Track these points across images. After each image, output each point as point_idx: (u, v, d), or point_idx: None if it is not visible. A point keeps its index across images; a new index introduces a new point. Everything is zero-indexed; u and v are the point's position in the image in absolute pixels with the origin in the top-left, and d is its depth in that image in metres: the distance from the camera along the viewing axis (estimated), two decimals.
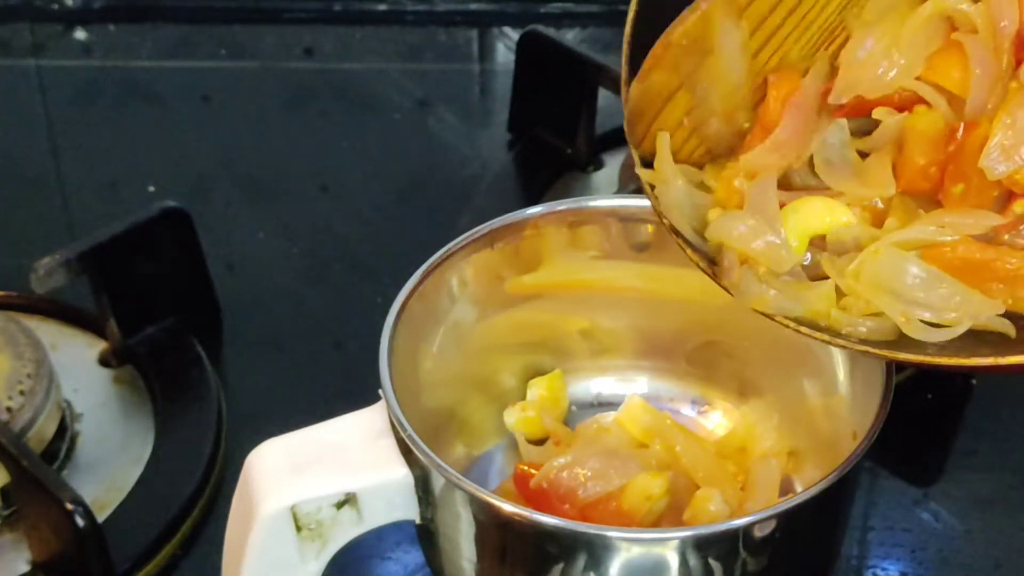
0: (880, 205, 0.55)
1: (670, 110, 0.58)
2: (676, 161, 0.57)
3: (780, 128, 0.56)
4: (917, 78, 0.54)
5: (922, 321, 0.52)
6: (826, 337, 0.53)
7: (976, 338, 0.52)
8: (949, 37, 0.54)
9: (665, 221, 0.57)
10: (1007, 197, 0.53)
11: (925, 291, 0.51)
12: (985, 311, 0.51)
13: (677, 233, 0.56)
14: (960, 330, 0.51)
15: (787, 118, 0.56)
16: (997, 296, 0.51)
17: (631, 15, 0.58)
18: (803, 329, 0.53)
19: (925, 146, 0.54)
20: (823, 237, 0.55)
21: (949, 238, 0.52)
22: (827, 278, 0.54)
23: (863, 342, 0.53)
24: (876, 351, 0.52)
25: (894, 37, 0.55)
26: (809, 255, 0.55)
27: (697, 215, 0.57)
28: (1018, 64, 0.53)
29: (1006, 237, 0.52)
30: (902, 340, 0.52)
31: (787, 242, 0.54)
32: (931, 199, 0.54)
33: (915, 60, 0.54)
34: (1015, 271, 0.51)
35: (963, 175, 0.53)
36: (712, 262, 0.56)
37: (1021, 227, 0.52)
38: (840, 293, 0.53)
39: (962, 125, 0.53)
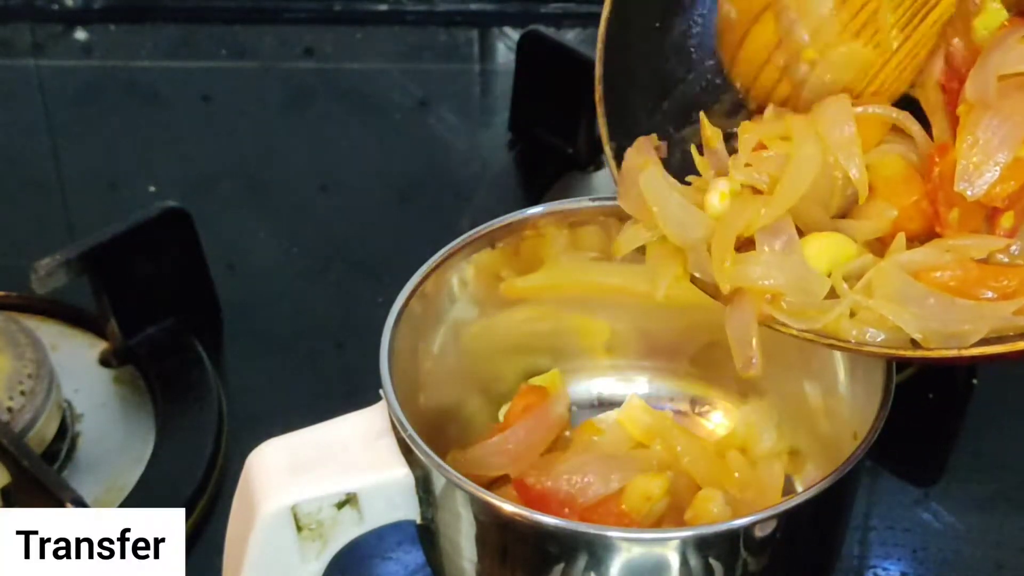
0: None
1: (758, 34, 0.57)
2: (771, 101, 0.58)
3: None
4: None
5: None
6: (832, 342, 0.53)
7: None
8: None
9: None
10: (992, 213, 0.53)
11: (936, 308, 0.52)
12: (999, 314, 0.51)
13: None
14: (975, 338, 0.51)
15: None
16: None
17: (605, 15, 0.58)
18: (808, 335, 0.54)
19: (898, 187, 0.55)
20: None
21: (949, 260, 0.52)
22: None
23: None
24: (877, 350, 0.53)
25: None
26: None
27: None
28: (951, 93, 0.55)
29: (999, 256, 0.52)
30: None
31: (816, 272, 0.54)
32: (929, 237, 0.55)
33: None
34: (1004, 289, 0.52)
35: (951, 200, 0.53)
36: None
37: (1011, 246, 0.52)
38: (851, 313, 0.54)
39: (936, 151, 0.55)
